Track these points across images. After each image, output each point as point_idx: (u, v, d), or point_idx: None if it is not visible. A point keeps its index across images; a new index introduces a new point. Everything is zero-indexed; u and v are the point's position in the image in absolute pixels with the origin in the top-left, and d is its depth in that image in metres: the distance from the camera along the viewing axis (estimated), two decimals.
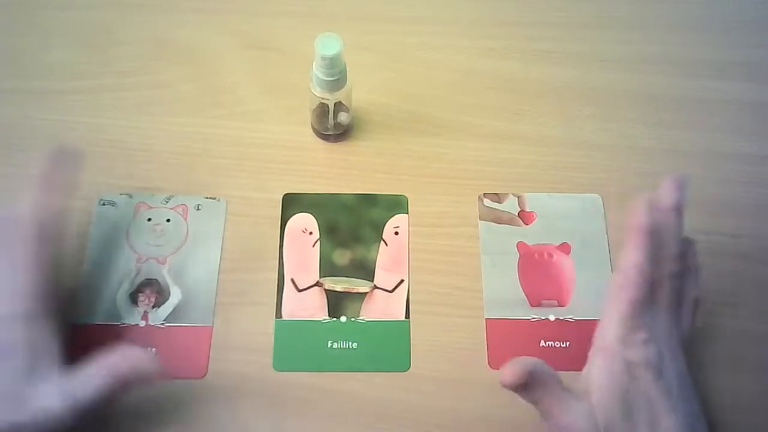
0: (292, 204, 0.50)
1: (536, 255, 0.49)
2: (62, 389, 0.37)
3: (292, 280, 0.47)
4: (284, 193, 0.50)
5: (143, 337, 0.45)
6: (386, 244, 0.49)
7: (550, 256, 0.48)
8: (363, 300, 0.47)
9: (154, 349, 0.44)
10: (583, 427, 0.37)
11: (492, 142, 0.53)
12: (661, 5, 0.60)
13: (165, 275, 0.47)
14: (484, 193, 0.51)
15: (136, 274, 0.47)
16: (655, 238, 0.40)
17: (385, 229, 0.49)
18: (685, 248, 0.41)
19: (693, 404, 0.39)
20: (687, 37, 0.59)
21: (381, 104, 0.54)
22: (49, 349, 0.38)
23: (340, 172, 0.51)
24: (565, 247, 0.49)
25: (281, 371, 0.44)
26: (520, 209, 0.50)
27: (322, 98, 0.48)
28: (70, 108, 0.53)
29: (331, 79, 0.46)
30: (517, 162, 0.52)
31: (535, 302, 0.47)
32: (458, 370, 0.44)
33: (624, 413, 0.37)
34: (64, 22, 0.58)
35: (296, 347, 0.45)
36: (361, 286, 0.47)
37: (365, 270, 0.48)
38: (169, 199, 0.50)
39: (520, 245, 0.49)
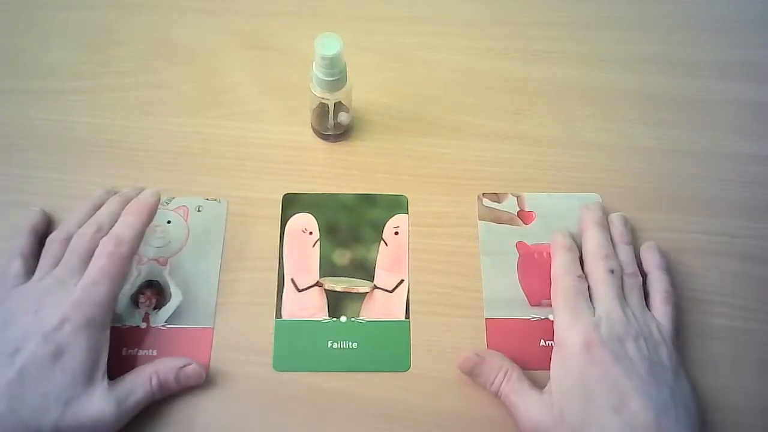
0: (292, 204, 0.50)
1: (536, 255, 0.49)
2: (114, 394, 0.39)
3: (292, 280, 0.47)
4: (284, 193, 0.50)
5: (144, 338, 0.45)
6: (386, 244, 0.49)
7: (550, 255, 0.48)
8: (363, 300, 0.47)
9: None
10: (538, 413, 0.40)
11: (492, 142, 0.53)
12: (661, 5, 0.60)
13: (166, 277, 0.47)
14: (483, 193, 0.51)
15: (137, 276, 0.47)
16: (574, 251, 0.46)
17: (385, 229, 0.49)
18: (629, 251, 0.46)
19: (669, 390, 0.39)
20: (687, 37, 0.59)
21: (381, 104, 0.54)
22: (104, 356, 0.40)
23: (340, 172, 0.51)
24: None
25: (281, 371, 0.44)
26: (519, 209, 0.50)
27: (322, 98, 0.48)
28: (70, 108, 0.53)
29: (331, 79, 0.46)
30: (517, 162, 0.52)
31: (534, 302, 0.47)
32: (458, 370, 0.44)
33: (583, 397, 0.39)
34: (64, 22, 0.58)
35: (296, 347, 0.45)
36: (361, 286, 0.47)
37: (365, 270, 0.48)
38: (170, 200, 0.50)
39: (520, 245, 0.49)
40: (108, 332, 0.41)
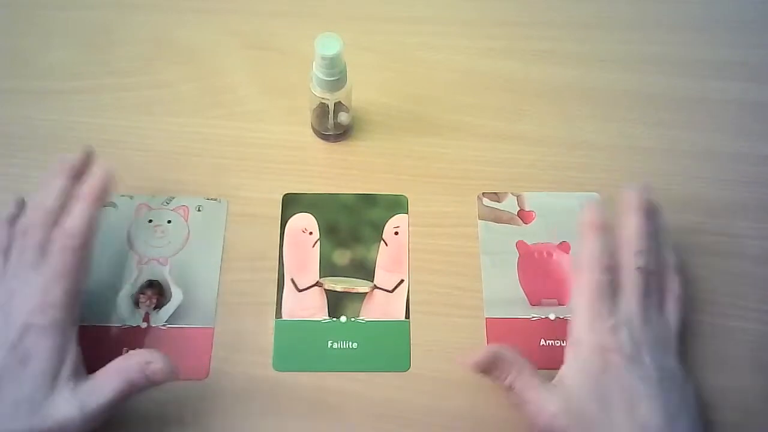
0: (292, 204, 0.50)
1: (536, 254, 0.49)
2: (78, 396, 0.38)
3: (292, 280, 0.47)
4: (284, 193, 0.50)
5: (145, 338, 0.45)
6: (386, 244, 0.49)
7: (550, 255, 0.48)
8: (363, 300, 0.47)
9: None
10: (555, 410, 0.38)
11: (492, 142, 0.53)
12: (661, 5, 0.60)
13: (166, 276, 0.47)
14: (483, 193, 0.51)
15: (138, 276, 0.47)
16: (608, 233, 0.42)
17: (385, 229, 0.49)
18: (657, 247, 0.43)
19: (679, 395, 0.39)
20: (687, 37, 0.59)
21: (381, 104, 0.54)
22: (71, 356, 0.39)
23: (340, 172, 0.51)
24: (564, 246, 0.49)
25: (281, 371, 0.44)
26: (519, 208, 0.50)
27: (322, 98, 0.48)
28: (70, 108, 0.53)
29: (331, 79, 0.46)
30: (517, 162, 0.52)
31: (535, 301, 0.47)
32: (458, 370, 0.44)
33: (599, 400, 0.38)
34: (64, 22, 0.58)
35: (296, 347, 0.45)
36: (361, 286, 0.47)
37: (365, 270, 0.48)
38: (170, 200, 0.50)
39: (520, 244, 0.49)
40: (76, 329, 0.40)
